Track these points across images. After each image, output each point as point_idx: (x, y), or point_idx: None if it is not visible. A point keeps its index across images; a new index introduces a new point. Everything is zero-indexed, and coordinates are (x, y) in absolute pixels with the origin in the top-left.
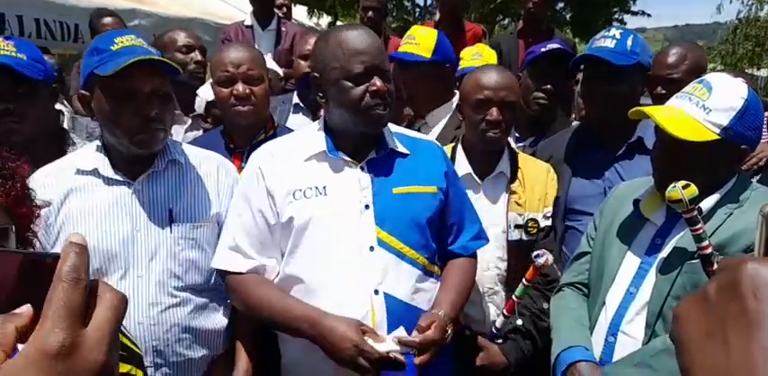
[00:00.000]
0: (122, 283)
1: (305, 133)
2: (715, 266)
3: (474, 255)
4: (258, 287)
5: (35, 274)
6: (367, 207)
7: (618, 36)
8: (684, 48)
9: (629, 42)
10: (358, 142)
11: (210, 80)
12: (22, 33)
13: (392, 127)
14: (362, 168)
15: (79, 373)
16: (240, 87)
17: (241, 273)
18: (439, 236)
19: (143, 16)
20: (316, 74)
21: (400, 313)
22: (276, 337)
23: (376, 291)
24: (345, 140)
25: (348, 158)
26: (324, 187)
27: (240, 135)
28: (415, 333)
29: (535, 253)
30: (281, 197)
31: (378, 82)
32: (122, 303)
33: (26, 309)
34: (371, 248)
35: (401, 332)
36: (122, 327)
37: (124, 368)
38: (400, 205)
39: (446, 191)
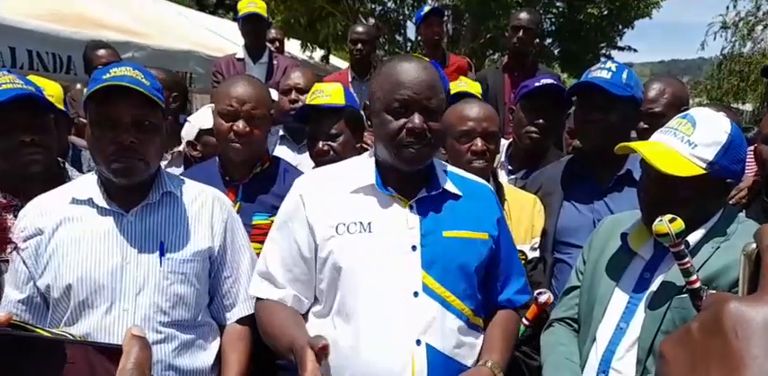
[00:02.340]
0: (107, 317)
1: (354, 163)
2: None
3: (518, 309)
4: (275, 314)
5: (94, 364)
6: (414, 248)
7: (614, 69)
8: (663, 82)
9: (624, 75)
10: (405, 178)
11: (204, 107)
12: (15, 65)
13: (445, 165)
14: (411, 207)
15: None
16: (241, 125)
17: (270, 300)
18: (485, 286)
19: (136, 49)
20: (367, 101)
21: (442, 367)
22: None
23: (418, 342)
24: (392, 175)
25: (397, 195)
26: (369, 223)
27: (236, 168)
28: None
29: (537, 291)
30: (321, 230)
31: (416, 119)
32: None
33: None
34: (416, 294)
35: None
36: None
37: None
38: (449, 250)
39: (497, 239)
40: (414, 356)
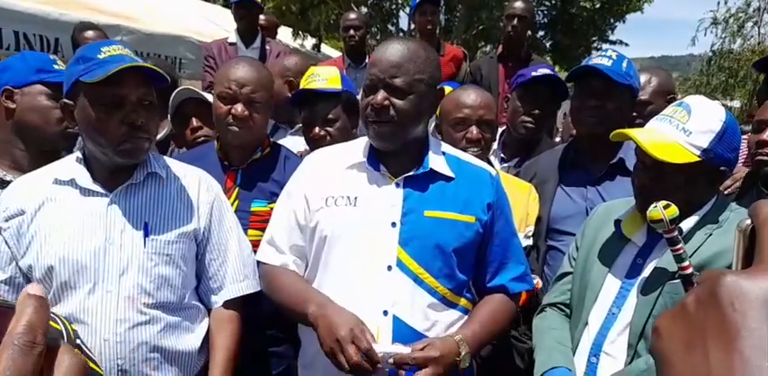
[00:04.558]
0: (90, 298)
1: (356, 143)
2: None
3: (514, 297)
4: (283, 274)
5: None
6: (394, 225)
7: (614, 57)
8: (649, 71)
9: (624, 64)
10: (396, 157)
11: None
12: (1, 46)
13: (447, 148)
14: (398, 184)
15: None
16: (239, 108)
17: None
18: (477, 270)
19: (126, 33)
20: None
21: (408, 339)
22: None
23: (385, 312)
24: (384, 154)
25: (386, 172)
26: (355, 198)
27: (235, 153)
28: (410, 349)
29: None
30: (314, 201)
31: (378, 96)
32: (82, 372)
33: None
34: (389, 268)
35: (402, 349)
36: (84, 346)
37: None
38: (428, 229)
39: (487, 223)
40: (379, 326)
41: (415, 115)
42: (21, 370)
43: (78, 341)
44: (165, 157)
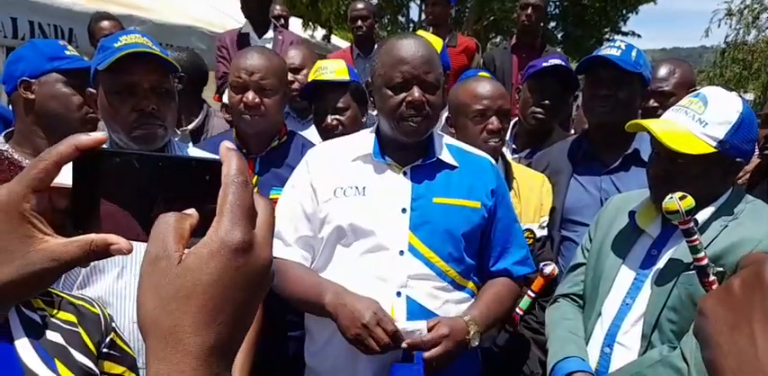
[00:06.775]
0: (119, 281)
1: (359, 135)
2: (711, 277)
3: (516, 280)
4: (294, 267)
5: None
6: (404, 211)
7: (623, 47)
8: (673, 62)
9: (634, 54)
10: (403, 148)
11: None
12: (16, 35)
13: (447, 138)
14: (405, 173)
15: (254, 268)
16: (250, 96)
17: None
18: (481, 255)
19: (138, 23)
20: (369, 79)
21: (421, 317)
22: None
23: (398, 294)
24: (391, 145)
25: (392, 162)
26: (364, 188)
27: (253, 141)
28: (424, 324)
29: (542, 263)
30: (322, 193)
31: (416, 93)
32: (273, 210)
33: (194, 212)
34: (401, 252)
35: (419, 325)
36: (116, 328)
37: (117, 370)
38: (438, 215)
39: (491, 209)
40: (394, 306)
41: (442, 108)
42: (244, 200)
43: (113, 324)
44: (190, 146)
